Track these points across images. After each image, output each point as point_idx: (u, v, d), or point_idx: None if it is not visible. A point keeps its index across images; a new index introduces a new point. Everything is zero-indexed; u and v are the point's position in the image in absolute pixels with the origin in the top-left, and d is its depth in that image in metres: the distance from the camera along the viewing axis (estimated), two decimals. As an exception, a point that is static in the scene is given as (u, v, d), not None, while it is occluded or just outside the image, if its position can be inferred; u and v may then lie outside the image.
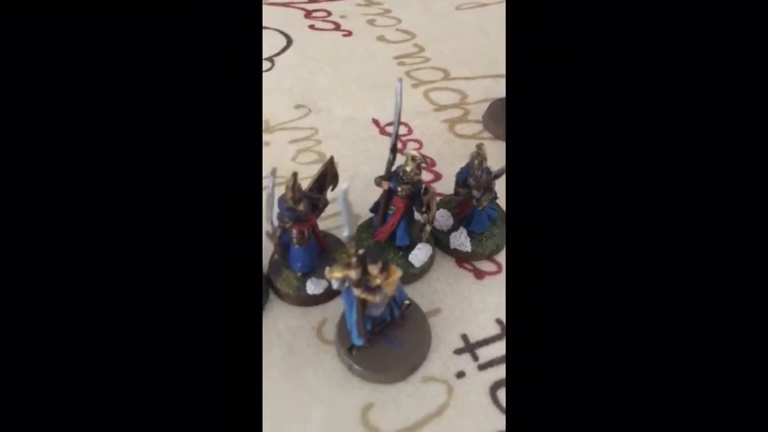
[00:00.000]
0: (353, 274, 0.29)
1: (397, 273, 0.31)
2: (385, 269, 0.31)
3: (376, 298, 0.31)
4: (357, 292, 0.30)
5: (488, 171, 0.38)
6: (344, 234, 0.27)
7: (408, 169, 0.36)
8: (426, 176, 0.50)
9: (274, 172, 0.32)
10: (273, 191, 0.32)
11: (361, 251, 0.30)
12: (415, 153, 0.36)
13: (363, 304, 0.32)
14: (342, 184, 0.25)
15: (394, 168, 0.38)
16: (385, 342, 0.35)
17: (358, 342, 0.34)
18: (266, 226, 0.35)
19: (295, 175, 0.34)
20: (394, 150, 0.37)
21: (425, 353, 0.36)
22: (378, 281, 0.30)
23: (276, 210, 0.36)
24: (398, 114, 0.35)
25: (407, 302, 0.37)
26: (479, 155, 0.37)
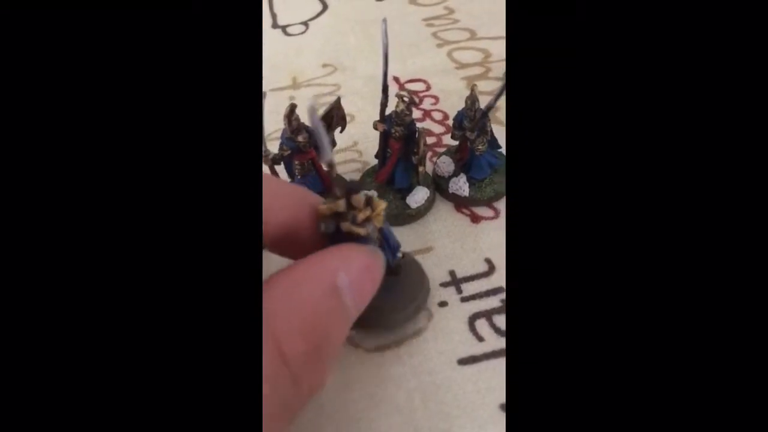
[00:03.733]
0: (341, 206, 0.30)
1: (381, 205, 0.32)
2: (369, 203, 0.32)
3: (365, 231, 0.31)
4: (345, 226, 0.31)
5: (482, 112, 0.39)
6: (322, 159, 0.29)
7: (398, 109, 0.38)
8: (437, 129, 0.52)
9: (263, 95, 0.34)
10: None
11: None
12: (402, 92, 0.38)
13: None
14: (308, 102, 0.26)
15: (389, 111, 0.40)
16: None
17: None
18: (264, 150, 0.38)
19: (292, 106, 0.37)
20: (385, 91, 0.39)
21: None
22: (364, 215, 0.31)
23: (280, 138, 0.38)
24: (386, 54, 0.36)
25: (400, 255, 0.37)
26: (472, 96, 0.38)
